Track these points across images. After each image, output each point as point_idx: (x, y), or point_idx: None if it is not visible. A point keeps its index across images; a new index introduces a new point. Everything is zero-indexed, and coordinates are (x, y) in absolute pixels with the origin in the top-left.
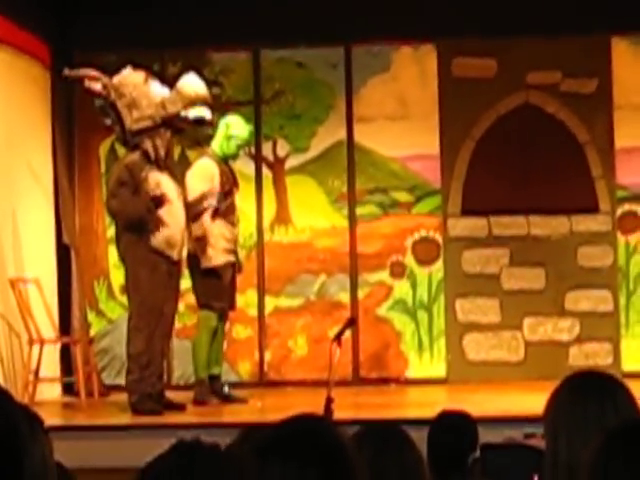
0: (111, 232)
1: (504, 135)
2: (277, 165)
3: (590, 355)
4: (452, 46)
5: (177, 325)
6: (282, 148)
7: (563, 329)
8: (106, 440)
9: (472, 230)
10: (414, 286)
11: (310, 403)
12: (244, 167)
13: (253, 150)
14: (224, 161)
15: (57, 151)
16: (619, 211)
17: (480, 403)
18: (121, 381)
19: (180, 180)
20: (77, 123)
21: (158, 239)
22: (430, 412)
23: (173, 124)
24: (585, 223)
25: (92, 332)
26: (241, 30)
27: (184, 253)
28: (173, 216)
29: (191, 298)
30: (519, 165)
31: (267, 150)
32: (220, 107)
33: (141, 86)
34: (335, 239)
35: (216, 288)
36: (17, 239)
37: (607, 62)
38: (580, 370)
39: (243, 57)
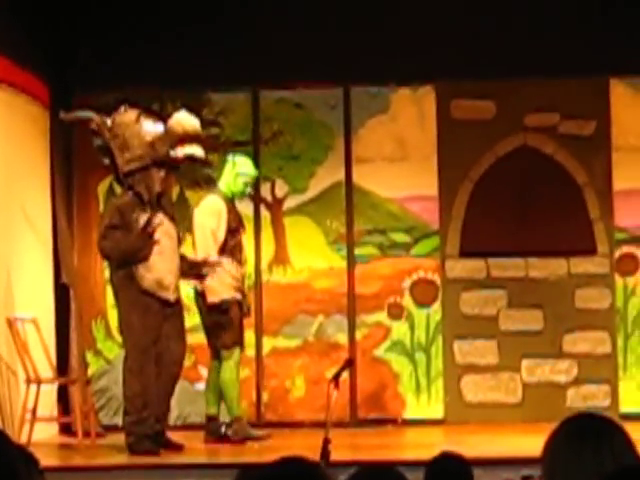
0: (108, 272)
1: (502, 177)
2: (275, 206)
3: (588, 397)
4: (451, 88)
5: None
6: (280, 189)
7: (561, 371)
8: None
9: (470, 272)
10: (412, 327)
11: (307, 444)
12: (243, 208)
13: (252, 191)
14: (231, 200)
15: (56, 191)
16: (617, 253)
17: (477, 445)
18: (119, 421)
19: (178, 219)
20: (76, 163)
21: (149, 281)
22: (427, 454)
23: (165, 163)
24: (583, 265)
25: (90, 372)
26: (240, 71)
27: (190, 291)
28: (164, 256)
29: (189, 338)
30: (517, 207)
31: (265, 191)
32: (219, 147)
33: (133, 125)
34: (333, 280)
35: (225, 323)
36: (15, 278)
37: (606, 104)
38: (578, 412)
39: (242, 97)
